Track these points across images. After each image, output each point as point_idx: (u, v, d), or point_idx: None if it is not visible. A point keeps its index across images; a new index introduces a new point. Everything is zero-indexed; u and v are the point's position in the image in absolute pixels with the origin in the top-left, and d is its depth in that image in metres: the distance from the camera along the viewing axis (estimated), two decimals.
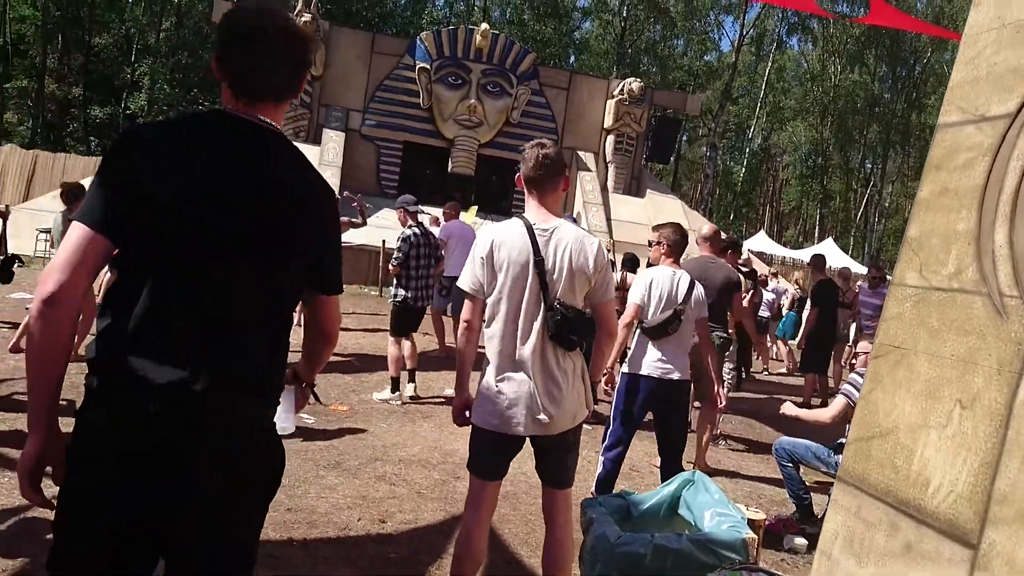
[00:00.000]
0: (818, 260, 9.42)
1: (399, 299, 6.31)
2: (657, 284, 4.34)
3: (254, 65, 1.65)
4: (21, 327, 6.35)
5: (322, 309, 1.85)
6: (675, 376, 4.26)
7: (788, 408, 4.54)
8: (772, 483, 5.29)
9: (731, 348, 6.03)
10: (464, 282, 2.75)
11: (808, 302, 10.20)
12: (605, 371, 4.07)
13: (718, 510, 2.82)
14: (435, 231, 7.11)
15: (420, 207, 6.61)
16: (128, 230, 1.53)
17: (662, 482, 4.34)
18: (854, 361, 4.98)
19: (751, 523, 2.86)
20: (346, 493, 4.09)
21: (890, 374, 2.11)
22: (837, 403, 4.46)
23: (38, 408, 1.54)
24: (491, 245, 2.69)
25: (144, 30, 34.86)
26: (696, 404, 6.17)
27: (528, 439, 2.73)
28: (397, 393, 6.31)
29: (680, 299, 4.30)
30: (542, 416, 2.62)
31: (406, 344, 6.37)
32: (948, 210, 2.01)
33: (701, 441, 5.49)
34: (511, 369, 2.65)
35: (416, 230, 6.38)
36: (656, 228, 4.65)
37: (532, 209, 2.77)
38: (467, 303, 2.76)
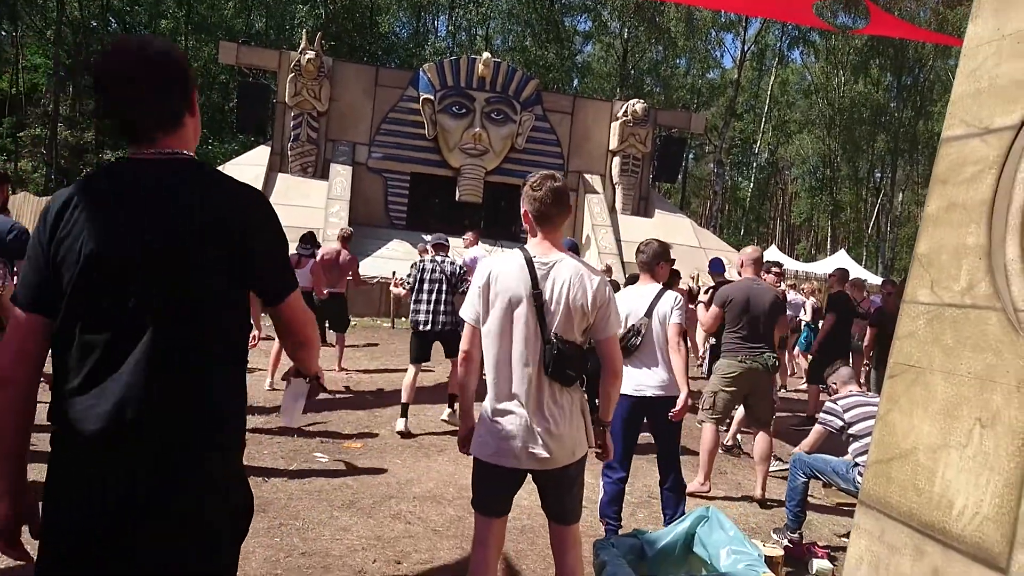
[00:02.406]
0: (842, 273, 9.42)
1: (412, 324, 6.63)
2: (623, 302, 4.24)
3: (126, 108, 1.63)
4: None
5: (278, 319, 1.80)
6: (648, 393, 4.17)
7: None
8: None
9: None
10: (464, 312, 2.75)
11: (824, 312, 10.09)
12: None
13: (734, 547, 2.75)
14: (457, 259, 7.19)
15: (440, 242, 6.94)
16: (59, 301, 1.56)
17: (662, 503, 4.31)
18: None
19: (768, 560, 2.79)
20: (361, 534, 4.04)
21: (906, 393, 2.06)
22: (814, 432, 4.44)
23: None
24: (488, 276, 2.68)
25: None
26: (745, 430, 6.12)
27: (530, 475, 2.69)
28: (403, 420, 6.37)
29: (641, 314, 4.21)
30: (538, 450, 2.58)
31: (410, 371, 6.50)
32: (957, 225, 1.98)
33: (758, 472, 5.36)
34: (507, 401, 2.63)
35: (426, 259, 6.70)
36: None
37: (536, 243, 2.74)
38: (466, 333, 2.76)
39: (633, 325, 4.20)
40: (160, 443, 1.53)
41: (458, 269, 6.68)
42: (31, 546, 1.62)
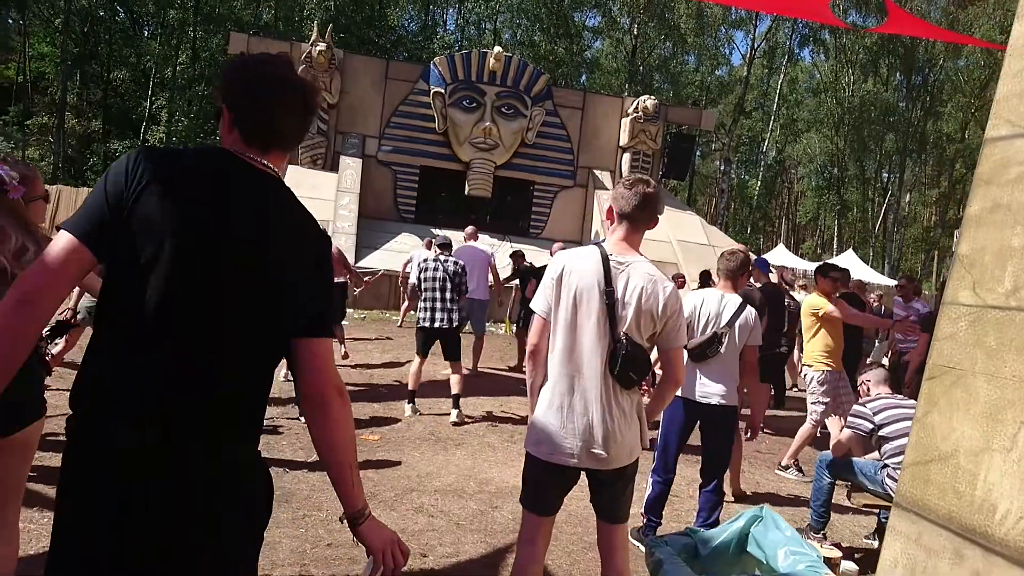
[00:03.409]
0: (843, 274, 9.36)
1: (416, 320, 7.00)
2: (705, 306, 4.27)
3: (274, 116, 1.66)
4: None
5: (309, 357, 1.64)
6: (713, 401, 4.19)
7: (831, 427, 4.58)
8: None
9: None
10: (536, 304, 2.71)
11: None
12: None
13: (792, 548, 2.73)
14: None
15: (445, 242, 7.24)
16: (115, 252, 1.51)
17: (699, 504, 4.31)
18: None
19: (827, 561, 2.77)
20: None
21: (946, 396, 2.05)
22: (843, 437, 4.42)
23: None
24: (562, 269, 2.66)
25: (161, 64, 35.39)
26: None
27: (584, 472, 2.66)
28: (410, 405, 6.80)
29: (723, 323, 4.22)
30: (598, 450, 2.56)
31: (415, 362, 6.84)
32: (1001, 226, 1.96)
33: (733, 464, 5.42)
34: (569, 398, 2.60)
35: (429, 257, 7.03)
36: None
37: (615, 241, 2.72)
38: (535, 326, 2.71)
39: (716, 333, 4.20)
40: (207, 437, 1.54)
41: (460, 268, 6.89)
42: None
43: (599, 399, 2.58)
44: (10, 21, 38.61)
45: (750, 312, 4.32)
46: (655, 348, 2.82)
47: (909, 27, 9.74)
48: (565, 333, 2.62)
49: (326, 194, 15.95)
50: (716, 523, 4.16)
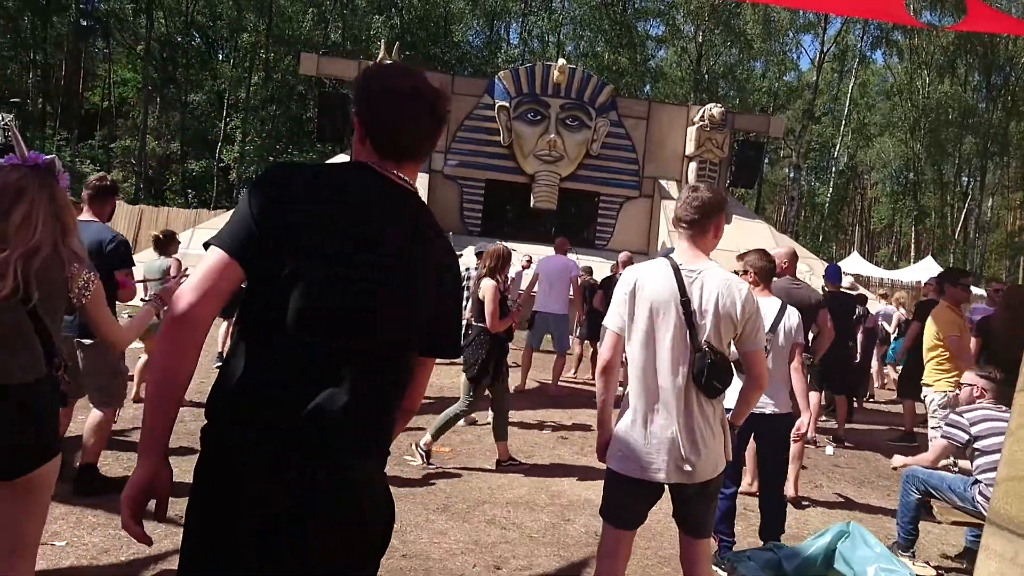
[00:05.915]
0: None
1: None
2: None
3: (400, 130, 1.66)
4: (137, 377, 6.53)
5: (418, 375, 1.77)
6: (766, 410, 4.10)
7: (897, 460, 4.47)
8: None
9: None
10: (609, 320, 2.72)
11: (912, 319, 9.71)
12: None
13: (883, 566, 2.64)
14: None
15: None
16: (263, 267, 1.52)
17: (761, 514, 4.21)
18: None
19: None
20: (458, 538, 4.08)
21: None
22: (936, 447, 4.25)
23: (152, 433, 1.51)
24: (635, 283, 2.66)
25: (234, 86, 36.61)
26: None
27: (668, 486, 2.64)
28: None
29: (766, 330, 4.13)
30: (685, 464, 2.54)
31: None
32: None
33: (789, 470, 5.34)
34: (653, 412, 2.58)
35: None
36: (740, 257, 4.58)
37: (683, 250, 2.73)
38: (608, 341, 2.72)
39: None
40: (339, 452, 1.54)
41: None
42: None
43: (683, 412, 2.55)
44: (95, 51, 40.61)
45: (792, 313, 4.26)
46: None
47: (992, 23, 9.35)
48: (643, 347, 2.61)
49: None
50: (782, 531, 4.07)
